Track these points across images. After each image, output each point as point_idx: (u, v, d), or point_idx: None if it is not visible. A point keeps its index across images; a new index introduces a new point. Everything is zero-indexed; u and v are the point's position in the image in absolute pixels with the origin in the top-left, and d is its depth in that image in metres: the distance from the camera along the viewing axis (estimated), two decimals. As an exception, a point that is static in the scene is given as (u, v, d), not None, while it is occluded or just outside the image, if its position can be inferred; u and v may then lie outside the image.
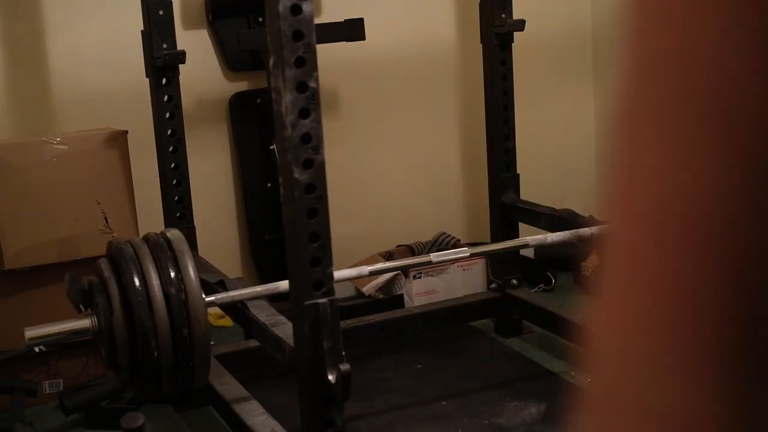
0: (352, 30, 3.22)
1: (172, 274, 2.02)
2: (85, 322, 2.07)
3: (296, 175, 1.70)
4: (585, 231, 2.67)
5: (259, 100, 3.43)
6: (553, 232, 2.74)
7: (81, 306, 2.10)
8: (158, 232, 2.18)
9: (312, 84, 1.68)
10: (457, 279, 3.44)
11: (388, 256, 3.56)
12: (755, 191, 0.33)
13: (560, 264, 3.72)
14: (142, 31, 2.73)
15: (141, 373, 2.03)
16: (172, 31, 2.72)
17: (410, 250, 3.62)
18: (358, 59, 3.56)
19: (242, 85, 3.45)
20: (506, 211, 3.13)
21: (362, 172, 3.68)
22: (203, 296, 2.06)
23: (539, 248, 3.75)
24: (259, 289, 2.28)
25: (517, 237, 3.10)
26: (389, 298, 3.40)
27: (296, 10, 1.65)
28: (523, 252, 3.45)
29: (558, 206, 3.00)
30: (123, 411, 2.43)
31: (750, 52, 0.32)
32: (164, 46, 2.71)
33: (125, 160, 2.86)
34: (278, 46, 1.66)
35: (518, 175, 3.16)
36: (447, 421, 2.59)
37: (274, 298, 2.32)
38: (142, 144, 3.04)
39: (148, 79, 2.77)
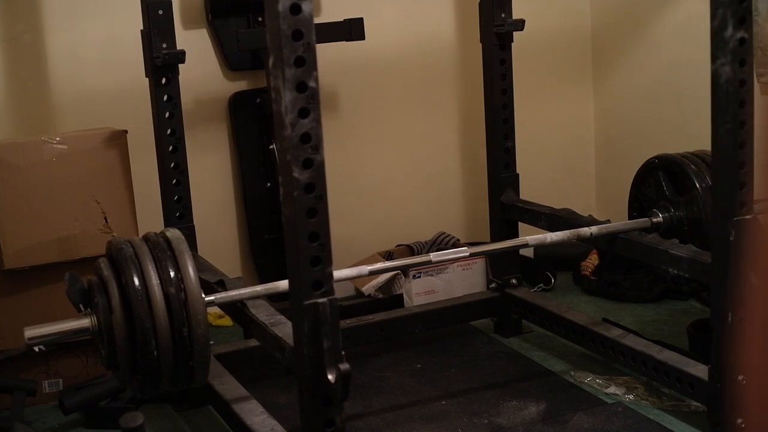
0: (352, 30, 3.22)
1: (172, 274, 2.02)
2: (84, 322, 2.07)
3: (296, 174, 1.70)
4: (584, 231, 2.67)
5: (258, 100, 3.43)
6: (552, 231, 2.74)
7: (80, 305, 2.10)
8: (158, 231, 2.17)
9: (311, 84, 1.68)
10: (456, 279, 3.44)
11: (388, 255, 3.56)
12: None
13: (560, 264, 3.73)
14: (142, 30, 2.73)
15: (140, 373, 2.03)
16: (171, 31, 2.72)
17: (410, 250, 3.62)
18: (358, 59, 3.56)
19: (242, 85, 3.45)
20: (506, 210, 3.13)
21: (362, 172, 3.68)
22: (203, 296, 2.05)
23: (539, 248, 3.75)
24: (258, 288, 2.27)
25: (517, 236, 3.10)
26: (389, 297, 3.40)
27: (296, 9, 1.64)
28: (522, 252, 3.45)
29: (557, 206, 3.00)
30: (122, 410, 2.43)
31: None
32: (164, 45, 2.71)
33: (125, 159, 2.86)
34: (278, 46, 1.66)
35: (518, 174, 3.16)
36: (446, 420, 2.59)
37: (273, 298, 2.32)
38: (141, 143, 3.04)
39: (147, 79, 2.77)
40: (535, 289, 3.57)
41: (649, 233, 2.68)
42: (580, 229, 2.67)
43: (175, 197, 2.83)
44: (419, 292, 3.39)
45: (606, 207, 3.98)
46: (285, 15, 1.64)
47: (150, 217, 3.00)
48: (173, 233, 2.13)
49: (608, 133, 3.96)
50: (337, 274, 1.98)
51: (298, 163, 1.69)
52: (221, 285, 2.40)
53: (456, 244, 3.56)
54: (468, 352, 3.07)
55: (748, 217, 2.19)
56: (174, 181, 2.82)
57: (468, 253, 2.62)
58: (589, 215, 3.13)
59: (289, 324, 1.99)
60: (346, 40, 3.24)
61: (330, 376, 1.77)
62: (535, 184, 3.66)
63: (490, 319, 3.26)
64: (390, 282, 3.44)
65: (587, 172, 4.07)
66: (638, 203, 2.90)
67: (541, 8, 3.78)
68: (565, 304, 3.17)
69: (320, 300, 1.78)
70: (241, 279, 2.46)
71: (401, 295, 3.40)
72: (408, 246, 3.64)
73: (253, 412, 2.38)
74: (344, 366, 1.78)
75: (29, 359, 2.80)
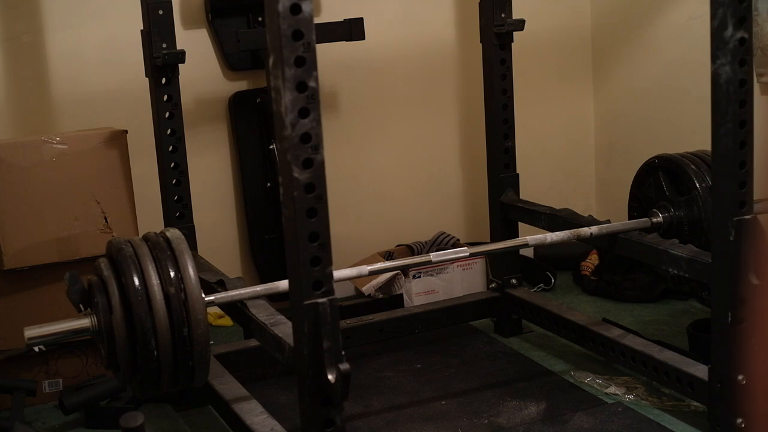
0: (352, 30, 3.22)
1: (172, 274, 2.02)
2: (84, 322, 2.07)
3: (296, 174, 1.70)
4: (584, 231, 2.67)
5: (258, 100, 3.43)
6: (552, 231, 2.74)
7: (80, 305, 2.10)
8: (158, 231, 2.17)
9: (311, 83, 1.68)
10: (456, 279, 3.44)
11: (388, 255, 3.56)
12: None
13: (560, 264, 3.73)
14: (142, 30, 2.73)
15: (140, 373, 2.03)
16: (171, 31, 2.72)
17: (410, 250, 3.62)
18: (358, 59, 3.56)
19: (242, 85, 3.46)
20: (506, 210, 3.14)
21: (362, 172, 3.68)
22: (203, 296, 2.05)
23: (539, 248, 3.75)
24: (258, 288, 2.27)
25: (517, 237, 3.11)
26: (389, 297, 3.40)
27: (296, 9, 1.64)
28: (522, 252, 3.45)
29: (557, 206, 3.00)
30: (122, 410, 2.43)
31: None
32: (164, 45, 2.71)
33: (125, 159, 2.86)
34: (278, 46, 1.65)
35: (518, 174, 3.16)
36: (446, 420, 2.59)
37: (273, 298, 2.32)
38: (141, 143, 3.05)
39: (147, 79, 2.77)
40: (535, 289, 3.57)
41: (649, 233, 2.68)
42: (580, 229, 2.67)
43: (175, 197, 2.83)
44: (419, 292, 3.39)
45: (606, 207, 3.98)
46: (285, 15, 1.64)
47: (150, 217, 3.00)
48: (173, 233, 2.13)
49: (608, 133, 3.96)
50: (337, 274, 1.98)
51: (298, 163, 1.69)
52: (221, 285, 2.40)
53: (456, 244, 3.56)
54: (468, 352, 3.07)
55: (748, 217, 2.19)
56: (174, 181, 2.83)
57: (468, 253, 2.62)
58: (589, 215, 3.13)
59: (289, 324, 1.99)
60: (346, 40, 3.25)
61: (330, 376, 1.77)
62: (535, 184, 3.66)
63: (490, 319, 3.26)
64: (390, 282, 3.44)
65: (587, 172, 4.07)
66: (638, 203, 2.90)
67: (541, 8, 3.78)
68: (565, 304, 3.17)
69: (320, 300, 1.78)
70: (241, 279, 2.46)
71: (401, 295, 3.40)
72: (408, 246, 3.64)
73: (253, 412, 2.38)
74: (344, 366, 1.78)
75: (29, 359, 2.80)
